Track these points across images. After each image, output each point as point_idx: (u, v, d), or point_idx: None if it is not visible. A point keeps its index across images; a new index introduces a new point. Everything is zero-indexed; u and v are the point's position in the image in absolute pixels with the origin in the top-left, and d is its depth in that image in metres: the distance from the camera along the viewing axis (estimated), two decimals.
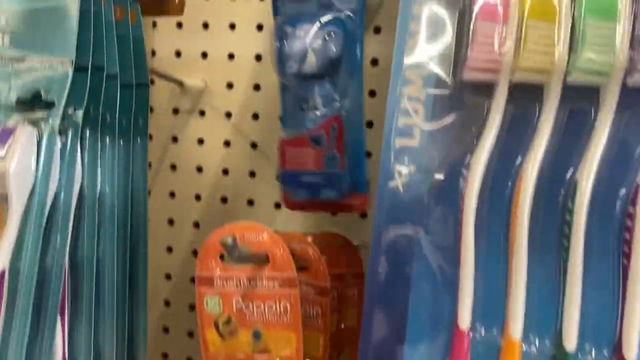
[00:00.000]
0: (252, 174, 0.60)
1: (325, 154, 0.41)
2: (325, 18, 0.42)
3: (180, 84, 0.60)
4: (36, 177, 0.35)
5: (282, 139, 0.43)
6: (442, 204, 0.31)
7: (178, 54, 0.62)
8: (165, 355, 0.65)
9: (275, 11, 0.46)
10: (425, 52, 0.31)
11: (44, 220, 0.36)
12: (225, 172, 0.63)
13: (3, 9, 0.37)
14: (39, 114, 0.36)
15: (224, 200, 0.64)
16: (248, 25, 0.59)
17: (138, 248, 0.44)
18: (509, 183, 0.29)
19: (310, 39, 0.41)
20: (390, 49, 0.32)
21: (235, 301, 0.39)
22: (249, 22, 0.59)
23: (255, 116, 0.60)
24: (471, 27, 0.29)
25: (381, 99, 0.51)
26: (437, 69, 0.31)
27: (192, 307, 0.64)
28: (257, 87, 0.59)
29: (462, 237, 0.30)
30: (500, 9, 0.29)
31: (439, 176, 0.31)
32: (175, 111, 0.63)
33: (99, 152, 0.39)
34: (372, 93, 0.52)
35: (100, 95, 0.38)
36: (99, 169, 0.39)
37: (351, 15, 0.42)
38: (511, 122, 0.30)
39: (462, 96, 0.31)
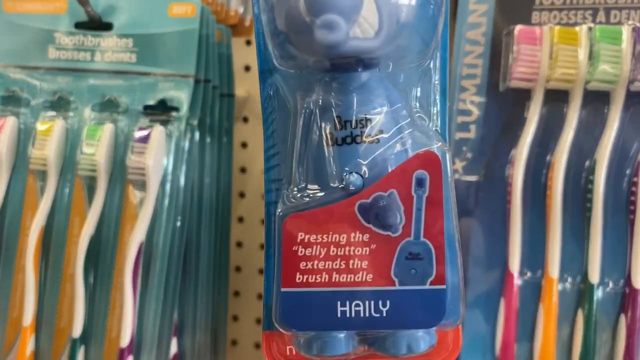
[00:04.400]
0: None
1: (401, 246, 0.21)
2: None
3: None
4: (167, 169, 0.44)
5: (282, 212, 0.22)
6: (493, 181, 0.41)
7: None
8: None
9: None
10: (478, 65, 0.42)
11: (173, 203, 0.44)
12: None
13: (129, 33, 0.46)
14: (166, 117, 0.45)
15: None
16: None
17: (226, 230, 0.53)
18: (546, 162, 0.40)
19: None
20: None
21: None
22: None
23: None
24: (514, 47, 0.40)
25: None
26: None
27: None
28: None
29: (511, 204, 0.40)
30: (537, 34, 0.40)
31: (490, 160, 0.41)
32: None
33: (205, 149, 0.48)
34: None
35: (208, 103, 0.47)
36: (205, 163, 0.48)
37: None
38: (547, 118, 0.40)
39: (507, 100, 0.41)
